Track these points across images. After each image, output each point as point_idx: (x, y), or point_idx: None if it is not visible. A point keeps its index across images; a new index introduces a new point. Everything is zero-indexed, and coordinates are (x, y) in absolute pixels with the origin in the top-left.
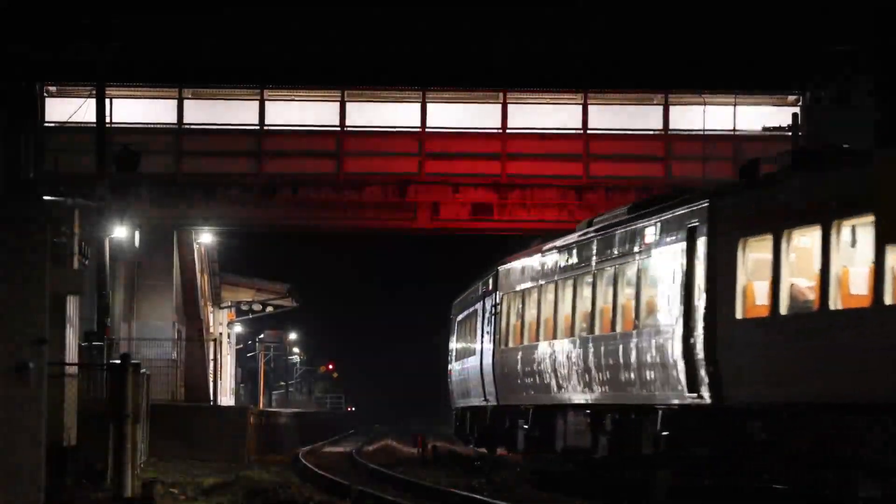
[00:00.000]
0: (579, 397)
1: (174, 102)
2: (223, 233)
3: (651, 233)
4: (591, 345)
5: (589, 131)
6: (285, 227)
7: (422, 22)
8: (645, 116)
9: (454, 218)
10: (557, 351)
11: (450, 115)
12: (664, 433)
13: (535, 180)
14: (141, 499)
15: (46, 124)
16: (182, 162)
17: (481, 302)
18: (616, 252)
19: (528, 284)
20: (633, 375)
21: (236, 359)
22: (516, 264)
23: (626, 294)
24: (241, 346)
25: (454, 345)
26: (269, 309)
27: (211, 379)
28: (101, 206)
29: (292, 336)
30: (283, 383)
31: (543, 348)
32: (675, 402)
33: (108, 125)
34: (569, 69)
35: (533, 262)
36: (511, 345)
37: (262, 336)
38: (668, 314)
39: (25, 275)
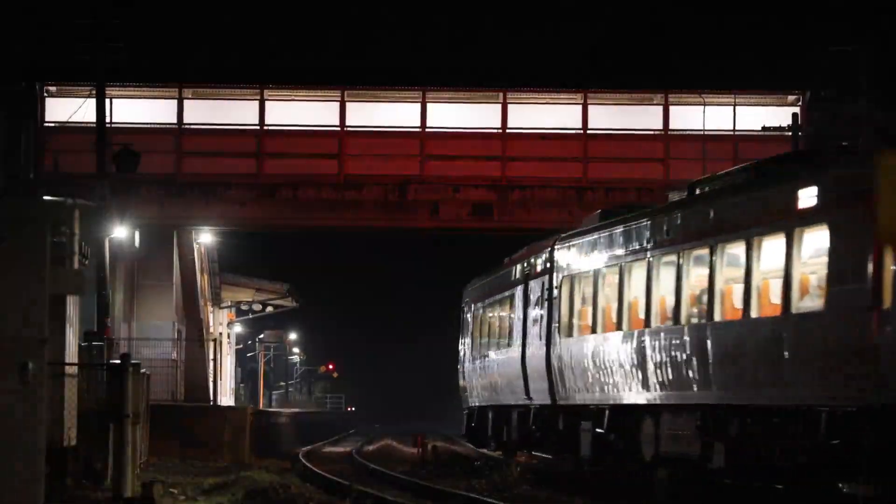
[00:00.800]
0: (685, 396)
1: (174, 102)
2: (223, 233)
3: (808, 196)
4: (708, 334)
5: (589, 131)
6: (285, 227)
7: (422, 22)
8: (645, 116)
9: (454, 218)
10: (651, 342)
11: (450, 115)
12: (833, 441)
13: (535, 180)
14: (141, 499)
15: (46, 124)
16: (182, 162)
17: (521, 286)
18: (745, 221)
19: (603, 263)
20: (776, 370)
21: (236, 359)
22: (584, 240)
23: (766, 272)
24: (241, 346)
25: (470, 337)
26: (269, 309)
27: (211, 379)
28: (101, 206)
29: (292, 336)
30: (283, 383)
31: (629, 339)
32: (850, 402)
33: (108, 125)
34: (569, 69)
35: (609, 237)
36: (576, 335)
37: (262, 336)
38: (843, 296)
39: (25, 275)
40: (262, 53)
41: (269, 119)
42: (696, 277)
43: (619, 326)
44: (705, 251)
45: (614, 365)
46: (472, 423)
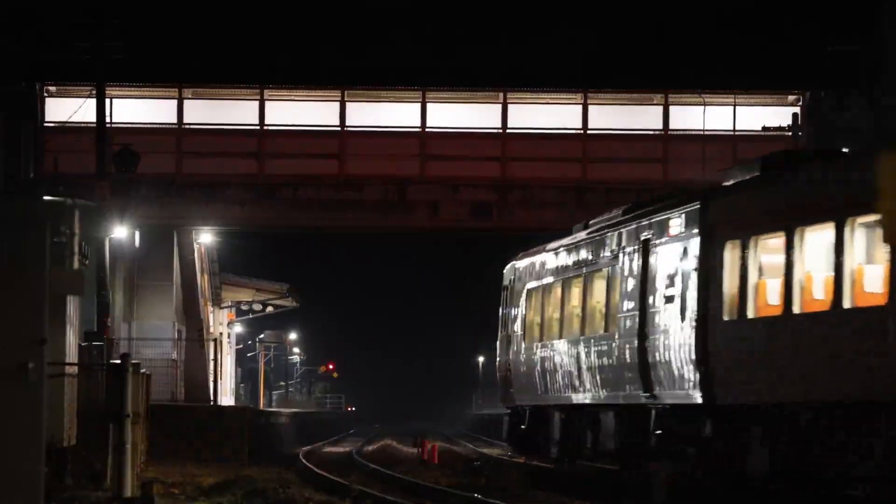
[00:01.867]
0: None
1: (174, 102)
2: (223, 233)
3: None
4: None
5: (589, 131)
6: (285, 227)
7: (422, 22)
8: (645, 116)
9: (454, 218)
10: None
11: (450, 115)
12: None
13: (535, 180)
14: (141, 499)
15: (46, 124)
16: (182, 162)
17: (632, 256)
18: None
19: (806, 221)
20: None
21: (236, 359)
22: (763, 192)
23: None
24: (241, 346)
25: (521, 323)
26: (269, 309)
27: (211, 379)
28: (101, 206)
29: (292, 336)
30: (283, 383)
31: (853, 320)
32: None
33: (108, 125)
34: (569, 69)
35: (814, 184)
36: (753, 314)
37: (262, 336)
38: None
39: (25, 275)
40: (262, 53)
41: (269, 119)
42: None
43: (835, 304)
44: None
45: (828, 353)
46: (522, 425)
